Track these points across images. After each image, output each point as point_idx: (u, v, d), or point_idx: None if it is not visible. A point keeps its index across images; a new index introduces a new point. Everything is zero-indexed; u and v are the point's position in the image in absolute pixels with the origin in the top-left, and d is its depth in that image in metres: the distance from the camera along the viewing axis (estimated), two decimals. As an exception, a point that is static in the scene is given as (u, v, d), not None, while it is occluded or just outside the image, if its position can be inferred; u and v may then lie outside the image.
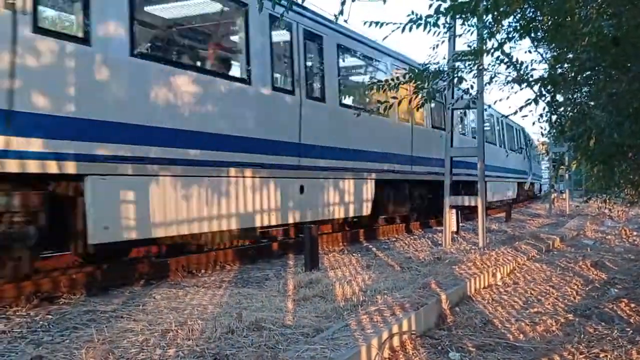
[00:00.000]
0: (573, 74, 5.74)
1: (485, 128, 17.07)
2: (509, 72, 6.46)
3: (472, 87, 7.38)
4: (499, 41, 5.44)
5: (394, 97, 6.43)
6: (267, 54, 8.70)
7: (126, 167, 6.41)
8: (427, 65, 6.54)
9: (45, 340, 4.37)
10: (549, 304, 5.97)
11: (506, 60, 6.19)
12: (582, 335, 4.67)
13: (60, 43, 5.79)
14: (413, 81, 5.91)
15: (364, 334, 4.08)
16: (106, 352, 3.91)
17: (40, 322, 4.90)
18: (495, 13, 4.45)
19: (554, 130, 7.30)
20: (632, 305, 5.79)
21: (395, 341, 4.26)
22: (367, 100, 12.05)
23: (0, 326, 4.77)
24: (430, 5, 4.25)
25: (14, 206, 5.54)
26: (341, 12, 4.21)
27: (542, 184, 40.14)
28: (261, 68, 8.52)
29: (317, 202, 9.79)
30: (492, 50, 5.50)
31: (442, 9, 4.15)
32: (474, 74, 7.00)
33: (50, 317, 5.10)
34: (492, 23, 5.22)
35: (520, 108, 6.10)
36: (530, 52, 6.54)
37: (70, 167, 5.85)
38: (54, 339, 4.39)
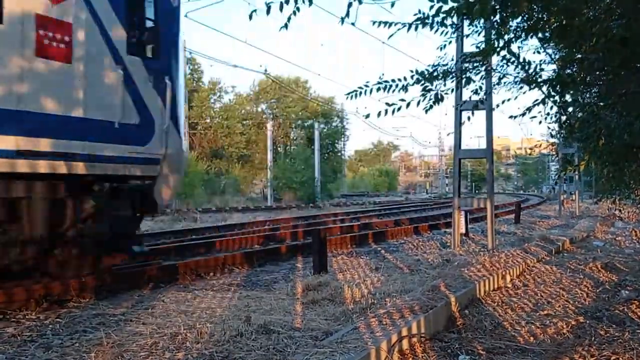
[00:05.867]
0: (582, 75, 5.71)
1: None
2: (518, 73, 6.42)
3: (480, 88, 7.34)
4: (506, 40, 5.41)
5: None
6: None
7: None
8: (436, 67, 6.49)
9: (54, 344, 4.39)
10: (559, 306, 5.92)
11: (514, 60, 6.15)
12: (593, 338, 4.64)
13: None
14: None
15: (373, 337, 4.07)
16: (115, 355, 3.93)
17: (50, 326, 4.92)
18: (504, 14, 4.44)
19: (564, 131, 7.25)
20: (644, 307, 5.74)
21: (405, 344, 4.25)
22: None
23: (10, 330, 4.80)
24: (432, 7, 4.24)
25: None
26: (347, 14, 4.19)
27: None
28: None
29: None
30: (498, 49, 5.47)
31: (443, 10, 4.14)
32: (482, 75, 6.96)
33: (59, 320, 5.12)
34: (499, 23, 5.19)
35: (529, 109, 6.06)
36: (539, 52, 6.50)
37: None
38: (63, 343, 4.41)
